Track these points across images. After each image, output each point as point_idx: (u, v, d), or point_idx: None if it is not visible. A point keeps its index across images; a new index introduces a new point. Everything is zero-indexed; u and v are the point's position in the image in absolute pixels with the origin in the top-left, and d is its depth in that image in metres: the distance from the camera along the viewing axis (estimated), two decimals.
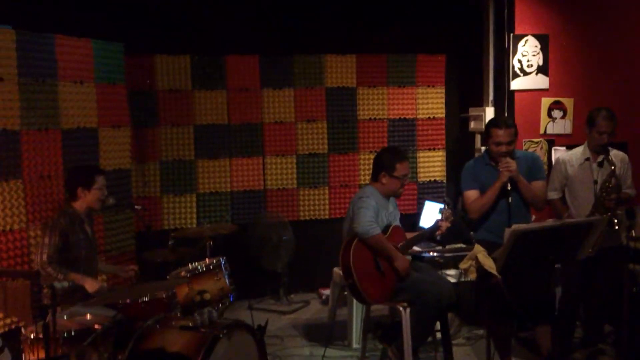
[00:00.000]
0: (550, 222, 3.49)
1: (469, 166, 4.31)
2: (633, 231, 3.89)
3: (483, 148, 5.01)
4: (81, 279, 3.79)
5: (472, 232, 4.45)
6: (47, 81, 4.44)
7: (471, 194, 4.18)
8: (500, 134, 4.05)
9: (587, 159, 4.33)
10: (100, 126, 4.89)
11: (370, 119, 6.20)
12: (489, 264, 3.28)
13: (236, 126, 5.93)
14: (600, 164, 4.23)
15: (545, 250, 3.34)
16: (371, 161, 6.08)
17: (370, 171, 6.04)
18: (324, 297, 5.81)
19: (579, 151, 4.44)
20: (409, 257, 4.04)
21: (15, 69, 4.20)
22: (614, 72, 5.79)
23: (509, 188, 4.00)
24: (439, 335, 4.16)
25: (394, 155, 4.17)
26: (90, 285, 3.77)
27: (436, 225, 4.03)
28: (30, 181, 4.29)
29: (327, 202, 6.16)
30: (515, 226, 3.22)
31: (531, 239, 3.25)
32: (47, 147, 4.42)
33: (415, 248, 4.91)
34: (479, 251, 3.36)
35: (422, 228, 5.55)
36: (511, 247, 3.22)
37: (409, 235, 4.15)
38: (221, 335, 3.21)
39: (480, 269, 3.33)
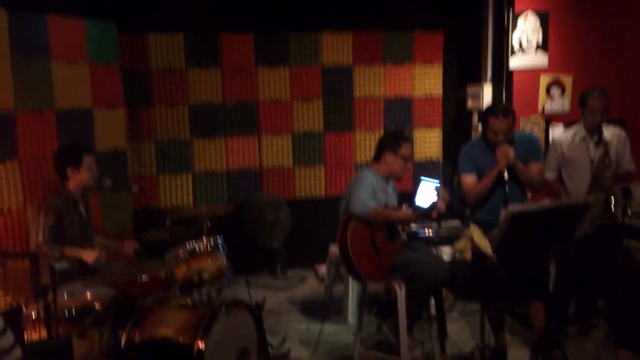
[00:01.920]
0: (546, 202, 3.51)
1: (466, 149, 4.28)
2: (629, 209, 3.93)
3: (480, 126, 5.01)
4: (77, 251, 3.81)
5: (467, 210, 4.48)
6: (41, 61, 4.41)
7: (468, 179, 4.18)
8: (498, 124, 3.99)
9: (584, 139, 4.34)
10: (95, 107, 4.87)
11: (366, 97, 6.19)
12: (485, 245, 3.29)
13: (231, 105, 5.92)
14: (597, 143, 4.24)
15: (541, 230, 3.35)
16: (367, 140, 6.17)
17: (366, 150, 6.17)
18: (320, 274, 5.86)
19: (574, 131, 4.45)
20: (405, 236, 4.07)
21: (8, 49, 4.16)
22: (614, 50, 5.75)
23: (505, 177, 3.96)
24: (433, 310, 4.22)
25: (399, 135, 4.24)
26: (88, 255, 3.79)
27: (433, 206, 4.05)
28: (26, 162, 4.29)
29: (322, 180, 6.18)
30: (511, 207, 3.23)
31: (527, 220, 3.27)
32: (42, 128, 4.41)
33: (411, 226, 4.96)
34: (475, 231, 3.37)
35: (417, 207, 5.57)
36: (507, 228, 3.24)
37: None
38: (220, 314, 3.25)
39: (475, 249, 3.35)
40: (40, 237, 3.79)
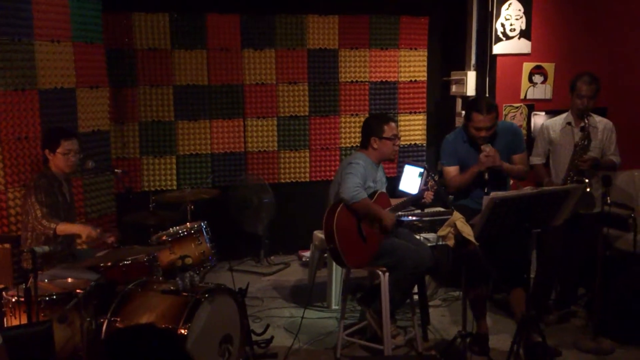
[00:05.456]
0: (528, 189, 3.54)
1: (448, 141, 4.26)
2: (608, 197, 3.97)
3: (464, 112, 5.01)
4: (72, 227, 3.82)
5: (450, 197, 4.49)
6: (23, 40, 4.32)
7: (451, 170, 4.18)
8: (481, 119, 3.96)
9: (569, 124, 4.36)
10: (78, 86, 4.80)
11: (351, 81, 6.17)
12: (467, 231, 3.32)
13: (216, 87, 5.86)
14: (582, 129, 4.26)
15: (522, 217, 3.38)
16: (352, 124, 6.17)
17: (351, 135, 6.17)
18: (303, 259, 5.87)
19: (562, 117, 4.49)
20: None
21: None
22: (596, 38, 5.80)
23: (486, 177, 3.98)
24: (416, 297, 4.26)
25: (380, 118, 4.20)
26: (82, 230, 3.79)
27: (421, 195, 4.05)
28: (8, 142, 4.22)
29: (307, 164, 6.17)
30: (493, 194, 3.26)
31: (509, 207, 3.30)
32: (24, 108, 4.33)
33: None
34: (458, 218, 3.40)
35: (402, 192, 5.59)
36: (489, 214, 3.26)
37: (394, 201, 4.18)
38: (203, 299, 3.24)
39: (458, 235, 3.37)
40: (39, 213, 3.75)
